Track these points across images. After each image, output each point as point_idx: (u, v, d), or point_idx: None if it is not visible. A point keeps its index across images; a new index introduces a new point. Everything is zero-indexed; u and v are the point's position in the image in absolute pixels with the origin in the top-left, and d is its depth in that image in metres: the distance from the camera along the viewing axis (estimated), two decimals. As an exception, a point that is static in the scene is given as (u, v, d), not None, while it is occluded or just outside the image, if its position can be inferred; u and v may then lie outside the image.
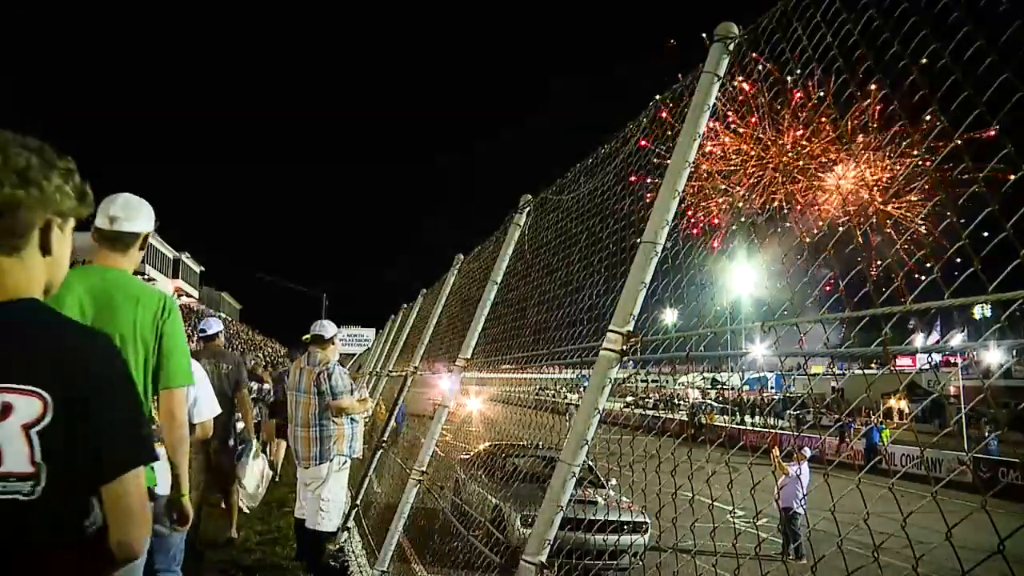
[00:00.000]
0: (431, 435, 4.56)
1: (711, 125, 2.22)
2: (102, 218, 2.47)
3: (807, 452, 9.74)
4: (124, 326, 2.31)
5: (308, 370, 5.32)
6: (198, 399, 3.51)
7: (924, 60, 1.47)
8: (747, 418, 33.17)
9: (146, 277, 53.62)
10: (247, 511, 6.65)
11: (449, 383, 4.57)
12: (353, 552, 6.04)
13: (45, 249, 1.28)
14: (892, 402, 27.64)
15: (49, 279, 1.32)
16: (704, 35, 2.16)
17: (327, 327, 5.50)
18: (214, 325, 6.10)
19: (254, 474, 6.26)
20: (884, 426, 22.21)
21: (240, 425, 6.25)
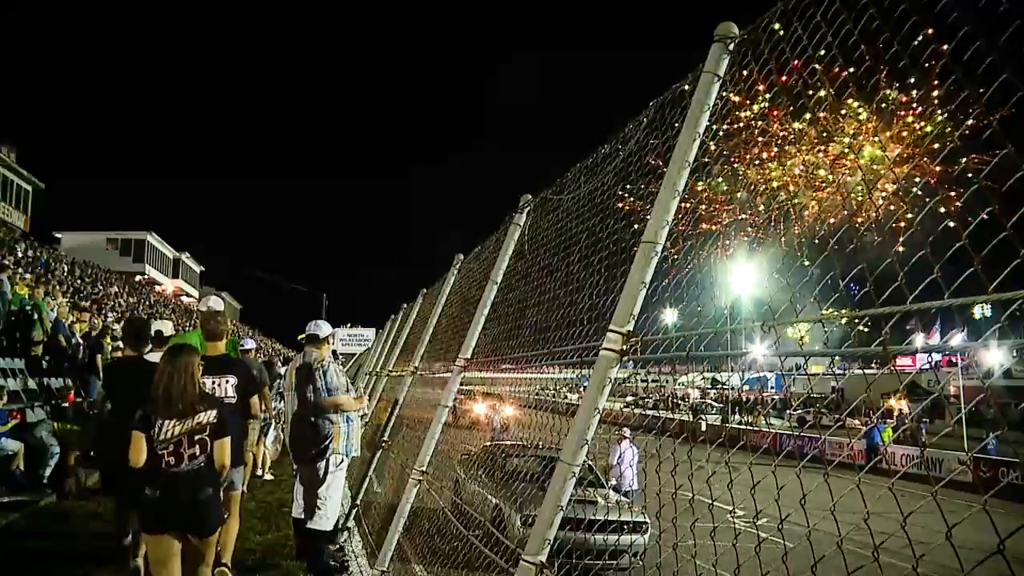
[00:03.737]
0: (431, 435, 4.55)
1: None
2: (204, 306, 5.29)
3: (626, 432, 10.04)
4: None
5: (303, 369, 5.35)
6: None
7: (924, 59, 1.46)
8: (744, 417, 33.17)
9: (146, 277, 53.74)
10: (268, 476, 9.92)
11: (450, 383, 4.56)
12: (353, 552, 6.05)
13: (226, 339, 5.16)
14: (892, 402, 27.61)
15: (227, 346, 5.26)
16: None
17: (322, 326, 5.54)
18: (249, 343, 8.91)
19: (272, 440, 10.62)
20: (885, 426, 22.18)
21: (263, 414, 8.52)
